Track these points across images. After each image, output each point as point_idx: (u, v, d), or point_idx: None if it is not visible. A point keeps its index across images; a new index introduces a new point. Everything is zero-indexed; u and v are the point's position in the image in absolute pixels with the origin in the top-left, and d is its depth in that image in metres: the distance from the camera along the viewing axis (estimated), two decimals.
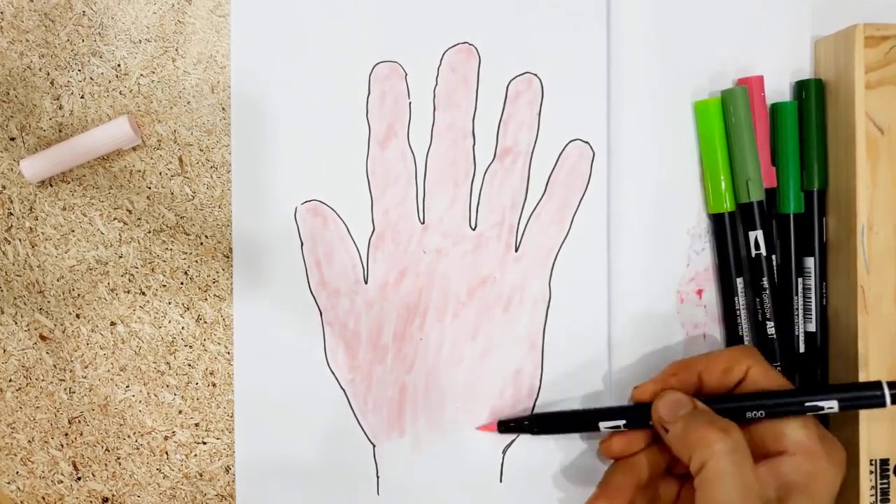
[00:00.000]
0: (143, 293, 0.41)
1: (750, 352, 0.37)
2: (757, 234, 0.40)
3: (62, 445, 0.41)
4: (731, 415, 0.35)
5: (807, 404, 0.35)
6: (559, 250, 0.41)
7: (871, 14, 0.40)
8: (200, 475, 0.41)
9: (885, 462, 0.38)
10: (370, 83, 0.41)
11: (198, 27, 0.41)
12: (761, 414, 0.35)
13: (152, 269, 0.41)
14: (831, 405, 0.35)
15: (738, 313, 0.40)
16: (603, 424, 0.38)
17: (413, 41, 0.41)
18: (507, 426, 0.40)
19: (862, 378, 0.37)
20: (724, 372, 0.36)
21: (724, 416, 0.35)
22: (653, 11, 0.41)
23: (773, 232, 0.40)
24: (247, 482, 0.41)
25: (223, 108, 0.41)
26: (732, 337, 0.40)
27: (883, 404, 0.35)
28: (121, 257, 0.41)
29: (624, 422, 0.37)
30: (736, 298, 0.40)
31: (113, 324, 0.41)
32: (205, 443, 0.41)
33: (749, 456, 0.33)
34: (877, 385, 0.35)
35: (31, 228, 0.41)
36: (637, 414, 0.37)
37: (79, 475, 0.41)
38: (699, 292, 0.41)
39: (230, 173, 0.41)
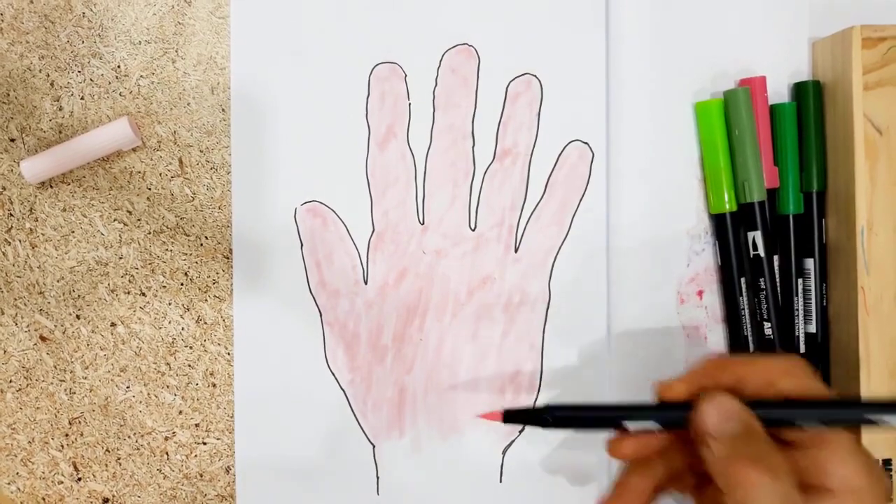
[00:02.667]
0: (144, 294, 0.41)
1: (799, 366, 0.32)
2: (755, 235, 0.40)
3: (62, 446, 0.41)
4: (781, 424, 0.31)
5: (867, 416, 0.30)
6: (559, 251, 0.41)
7: (869, 15, 0.40)
8: (200, 475, 0.41)
9: (887, 462, 0.38)
10: (370, 84, 0.41)
11: (197, 28, 0.41)
12: (815, 423, 0.30)
13: (152, 270, 0.41)
14: None
15: (741, 314, 0.40)
16: (631, 425, 0.31)
17: (413, 42, 0.41)
18: (515, 416, 0.33)
19: (863, 378, 0.37)
20: (768, 385, 0.31)
21: (771, 426, 0.30)
22: (651, 12, 0.41)
23: (773, 233, 0.40)
24: (247, 482, 0.41)
25: (223, 110, 0.41)
26: (735, 338, 0.40)
27: None
28: (121, 258, 0.41)
29: (656, 424, 0.31)
30: (740, 298, 0.40)
31: (113, 324, 0.41)
32: (205, 443, 0.41)
33: (798, 502, 0.28)
34: None
35: (31, 229, 0.41)
36: (671, 414, 0.31)
37: (79, 476, 0.41)
38: (699, 293, 0.41)
39: (230, 174, 0.41)
